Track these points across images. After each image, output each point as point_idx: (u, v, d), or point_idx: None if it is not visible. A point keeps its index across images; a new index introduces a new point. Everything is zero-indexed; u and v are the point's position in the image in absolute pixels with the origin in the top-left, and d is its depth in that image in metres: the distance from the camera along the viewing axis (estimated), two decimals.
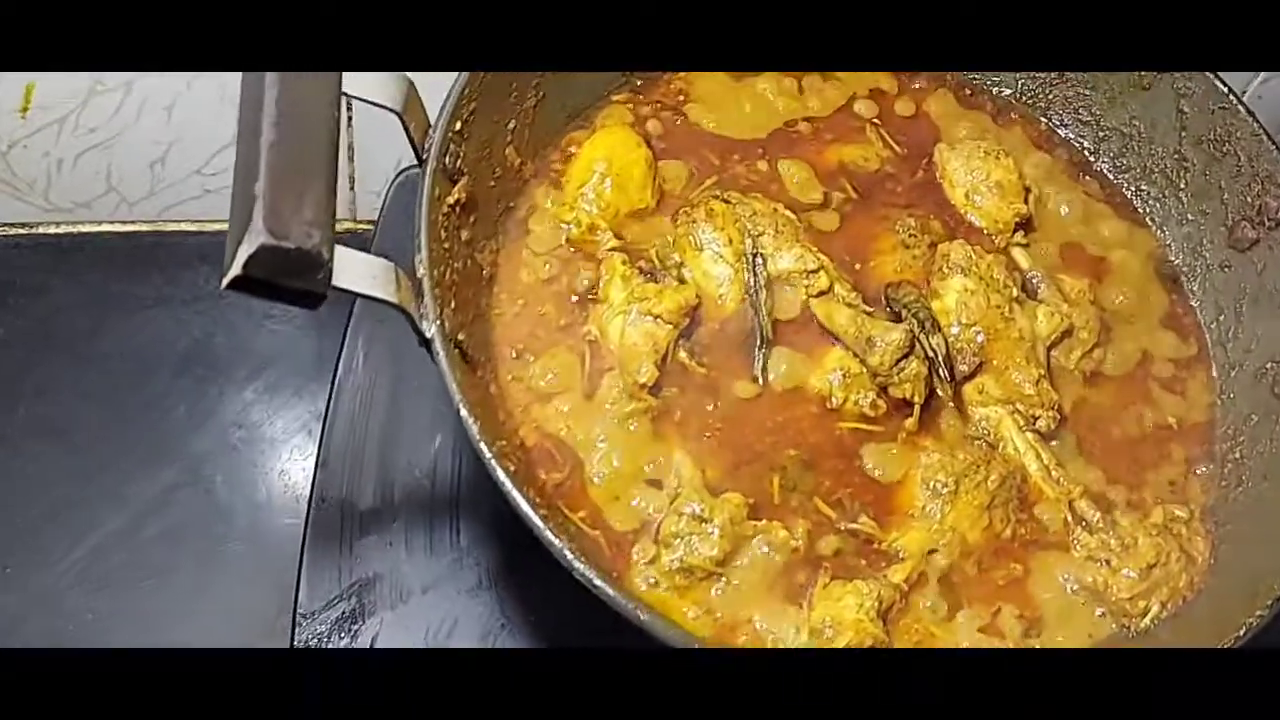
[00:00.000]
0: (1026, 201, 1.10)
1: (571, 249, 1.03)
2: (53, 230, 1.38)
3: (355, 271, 0.81)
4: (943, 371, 0.98)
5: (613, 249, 1.02)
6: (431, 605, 1.05)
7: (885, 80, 1.16)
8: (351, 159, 1.34)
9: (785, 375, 0.99)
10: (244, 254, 0.75)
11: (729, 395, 0.98)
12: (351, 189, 1.38)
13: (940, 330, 0.99)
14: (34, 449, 1.24)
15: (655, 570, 0.91)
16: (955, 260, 1.02)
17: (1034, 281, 1.06)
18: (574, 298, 1.01)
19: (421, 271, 0.87)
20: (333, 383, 1.14)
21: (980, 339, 1.00)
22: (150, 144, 1.29)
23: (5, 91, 1.22)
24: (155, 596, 1.18)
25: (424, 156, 0.92)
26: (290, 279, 0.77)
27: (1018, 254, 1.08)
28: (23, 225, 1.37)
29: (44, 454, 1.24)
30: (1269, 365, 1.02)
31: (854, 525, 0.95)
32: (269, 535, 1.22)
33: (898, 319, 1.00)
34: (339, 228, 1.40)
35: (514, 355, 0.98)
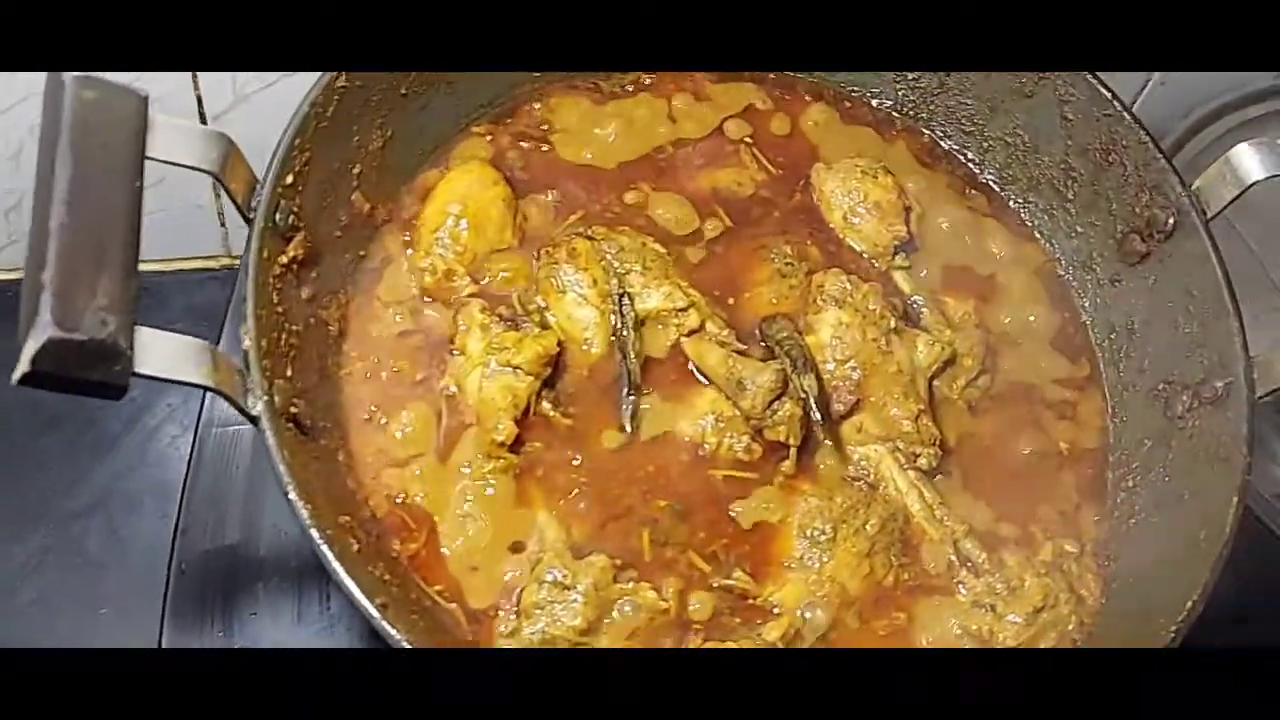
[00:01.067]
0: (908, 221, 1.05)
1: (427, 298, 0.97)
2: None
3: (161, 356, 0.75)
4: (815, 414, 0.93)
5: (471, 295, 0.97)
6: None
7: (759, 97, 1.11)
8: (218, 195, 1.28)
9: (655, 422, 0.95)
10: (30, 349, 0.70)
11: (596, 447, 0.94)
12: (222, 225, 1.32)
13: (814, 369, 0.95)
14: None
15: (516, 643, 0.86)
16: (829, 292, 0.98)
17: (916, 307, 1.02)
18: (431, 351, 0.96)
19: (247, 343, 0.82)
20: (194, 443, 1.08)
21: (856, 375, 0.96)
22: (2, 193, 1.23)
23: None
24: None
25: (250, 216, 0.86)
26: (85, 371, 0.72)
27: (899, 278, 1.04)
28: None
29: None
30: (1162, 386, 0.98)
31: (728, 581, 0.90)
32: (143, 598, 1.16)
33: (772, 356, 0.96)
34: (213, 265, 1.36)
35: (366, 418, 0.93)
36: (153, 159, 0.80)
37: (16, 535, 1.20)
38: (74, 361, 0.71)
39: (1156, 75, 1.35)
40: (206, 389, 0.77)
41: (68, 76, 0.78)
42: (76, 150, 0.76)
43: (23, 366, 0.70)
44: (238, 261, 1.36)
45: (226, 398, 0.79)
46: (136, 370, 0.73)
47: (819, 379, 0.95)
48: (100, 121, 0.78)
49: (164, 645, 1.00)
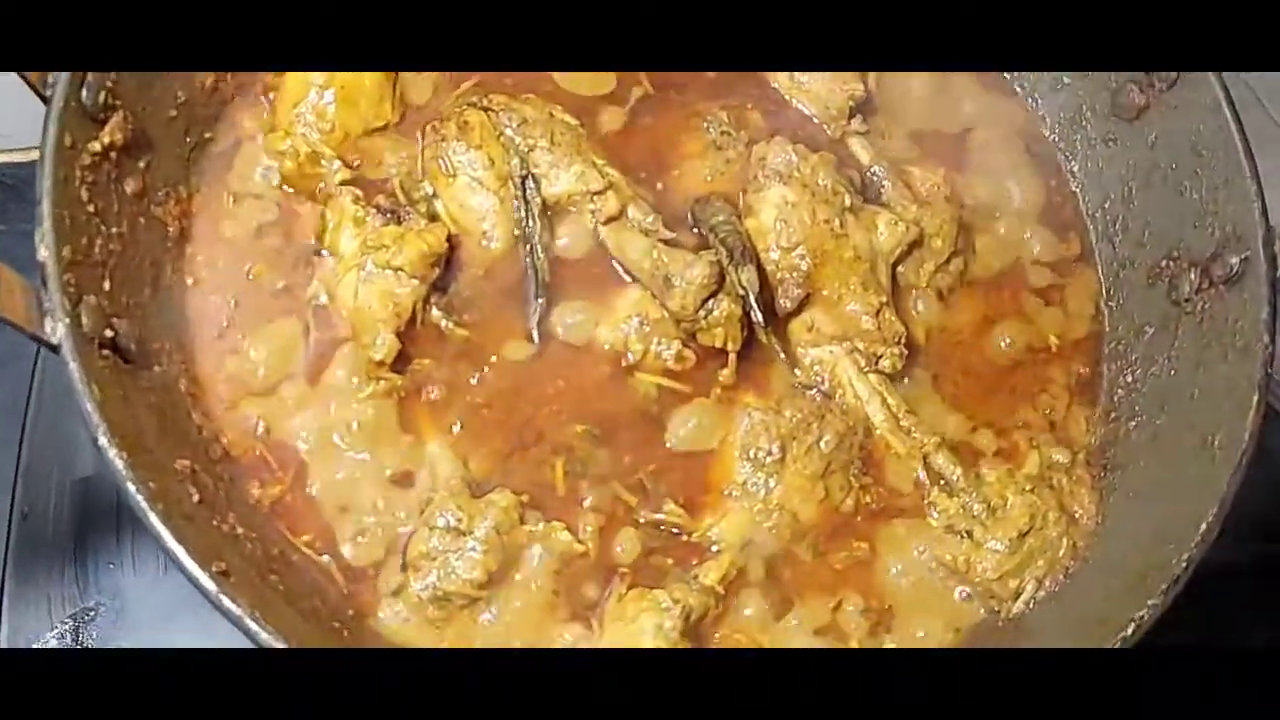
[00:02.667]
0: (864, 79, 0.88)
1: (288, 188, 0.81)
2: None
3: None
4: (756, 313, 0.78)
5: (342, 183, 0.81)
6: (171, 637, 0.86)
7: None
8: None
9: (570, 328, 0.80)
10: None
11: (499, 361, 0.79)
12: None
13: (754, 258, 0.79)
14: None
15: (404, 602, 0.72)
16: (772, 165, 0.82)
17: (876, 179, 0.86)
18: (295, 252, 0.80)
19: (44, 253, 0.66)
20: (32, 374, 0.92)
21: (805, 264, 0.80)
22: None
23: None
24: None
25: (46, 93, 0.69)
26: None
27: (855, 146, 0.88)
28: None
29: None
30: (1165, 264, 0.84)
31: (657, 515, 0.76)
32: None
33: (706, 245, 0.80)
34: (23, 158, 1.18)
35: (216, 335, 0.77)
36: None
37: None
38: None
39: None
40: None
41: None
42: None
43: None
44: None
45: (12, 325, 0.63)
46: None
47: (761, 270, 0.79)
48: None
49: (4, 607, 0.86)
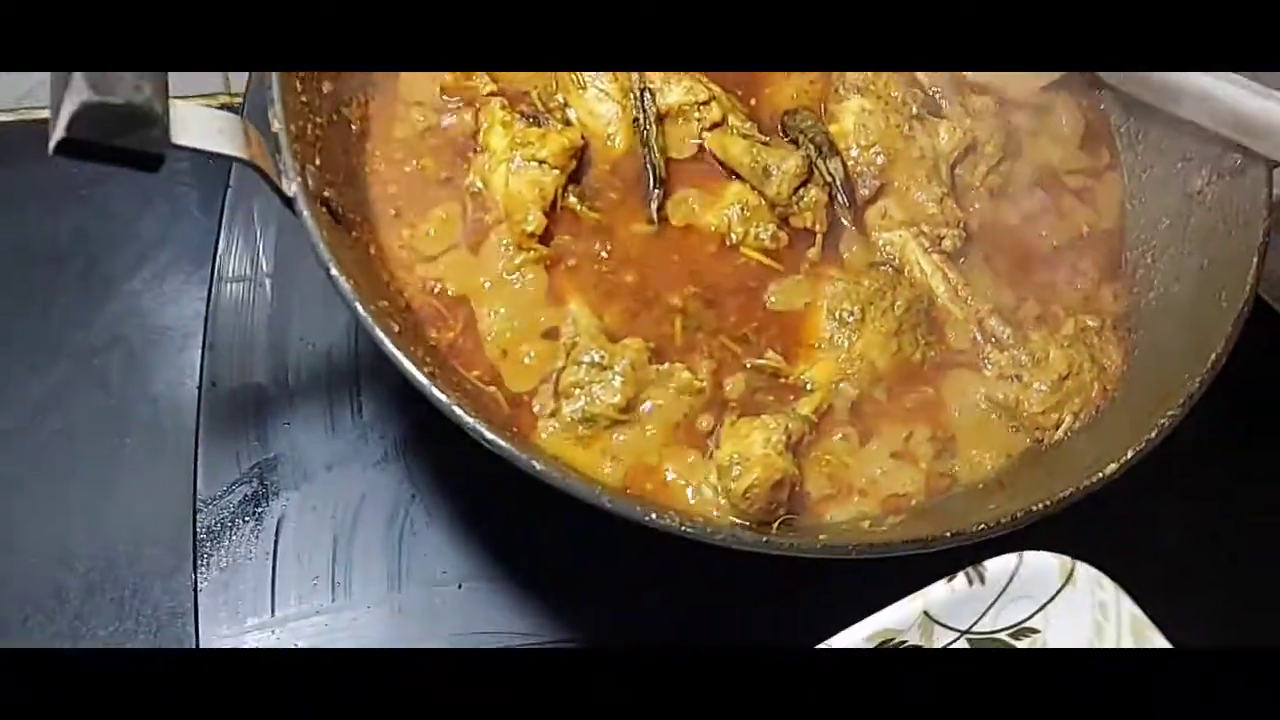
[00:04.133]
0: None
1: (447, 97, 0.97)
2: None
3: (197, 127, 0.75)
4: (842, 197, 0.94)
5: (491, 94, 0.97)
6: (338, 481, 1.01)
7: None
8: None
9: (682, 214, 0.95)
10: (67, 113, 0.69)
11: (624, 238, 0.94)
12: None
13: (839, 153, 0.95)
14: None
15: (557, 422, 0.87)
16: (852, 81, 0.98)
17: (937, 97, 1.02)
18: (454, 148, 0.95)
19: (277, 125, 0.82)
20: (214, 262, 1.08)
21: (880, 160, 0.96)
22: None
23: None
24: (56, 499, 1.14)
25: None
26: (122, 138, 0.71)
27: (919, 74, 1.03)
28: None
29: None
30: (1180, 165, 0.99)
31: (760, 361, 0.91)
32: (168, 427, 1.17)
33: (796, 146, 0.96)
34: (213, 104, 1.34)
35: (394, 214, 0.93)
36: None
37: (35, 369, 1.19)
38: (111, 126, 0.71)
39: None
40: (244, 162, 0.77)
41: None
42: None
43: (58, 132, 0.70)
44: (237, 99, 1.35)
45: (262, 173, 0.79)
46: (173, 141, 0.73)
47: (844, 164, 0.95)
48: None
49: (199, 457, 1.01)
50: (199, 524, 0.99)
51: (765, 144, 0.95)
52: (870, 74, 0.97)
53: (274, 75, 0.83)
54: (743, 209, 0.95)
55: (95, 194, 1.27)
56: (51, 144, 0.71)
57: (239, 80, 1.33)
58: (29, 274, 1.24)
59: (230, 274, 1.08)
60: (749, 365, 0.91)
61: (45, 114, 1.28)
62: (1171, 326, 0.93)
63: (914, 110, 0.97)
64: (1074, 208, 1.02)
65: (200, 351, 1.07)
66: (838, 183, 0.94)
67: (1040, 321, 0.96)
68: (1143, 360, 0.94)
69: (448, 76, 0.97)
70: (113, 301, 1.24)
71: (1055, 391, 0.91)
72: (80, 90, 0.69)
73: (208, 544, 0.99)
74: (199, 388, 1.04)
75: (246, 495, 1.00)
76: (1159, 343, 0.94)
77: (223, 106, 1.32)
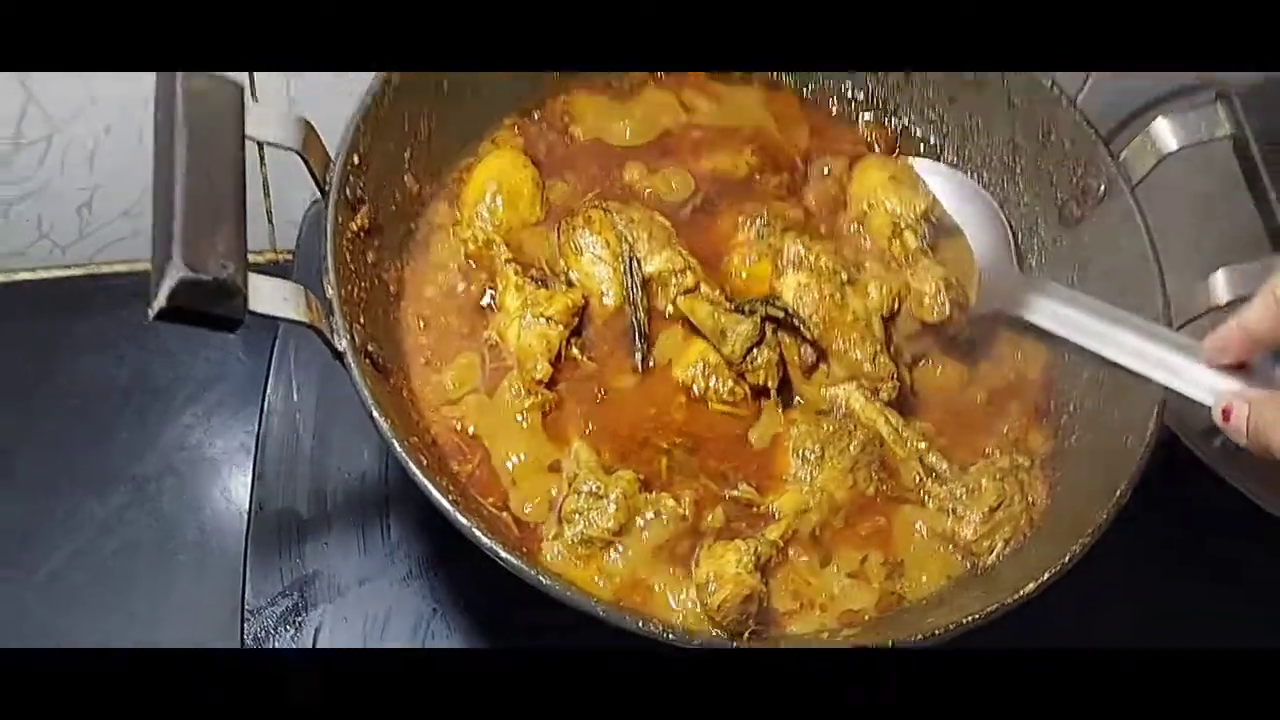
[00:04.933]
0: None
1: (470, 263, 1.14)
2: None
3: (269, 296, 0.91)
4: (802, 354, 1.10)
5: (507, 261, 1.13)
6: (368, 596, 1.16)
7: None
8: (267, 195, 1.44)
9: (663, 365, 1.11)
10: (166, 287, 0.85)
11: (617, 386, 1.10)
12: (270, 223, 1.48)
13: (791, 325, 1.11)
14: None
15: (560, 544, 1.02)
16: (789, 258, 1.14)
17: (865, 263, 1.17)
18: (475, 307, 1.12)
19: (330, 292, 0.98)
20: (263, 400, 1.24)
21: (817, 330, 1.11)
22: (76, 190, 1.39)
23: None
24: (117, 608, 1.28)
25: (326, 189, 1.02)
26: (210, 307, 0.87)
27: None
28: None
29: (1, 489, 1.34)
30: None
31: (734, 492, 1.06)
32: (215, 545, 1.32)
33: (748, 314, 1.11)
34: (260, 259, 1.52)
35: (424, 362, 1.09)
36: (250, 137, 0.97)
37: (97, 495, 1.35)
38: (201, 298, 0.87)
39: (1094, 74, 1.53)
40: (305, 325, 0.93)
41: (179, 73, 0.94)
42: (190, 127, 0.92)
43: (160, 302, 0.86)
44: (282, 256, 1.53)
45: (318, 333, 0.95)
46: (251, 309, 0.90)
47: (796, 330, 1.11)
48: (207, 105, 0.94)
49: (247, 572, 1.15)
50: (245, 631, 1.13)
51: (727, 310, 1.10)
52: (804, 249, 1.13)
53: (328, 247, 1.00)
54: (704, 365, 1.10)
55: (152, 340, 1.45)
56: (152, 312, 0.87)
57: (284, 237, 1.51)
58: (93, 410, 1.41)
59: (277, 410, 1.24)
60: (726, 496, 1.06)
61: (112, 269, 1.48)
62: (1088, 466, 1.08)
63: (844, 277, 1.13)
64: (1005, 356, 1.18)
65: (249, 479, 1.22)
66: (798, 348, 1.11)
67: (975, 457, 1.11)
68: (1063, 495, 1.08)
69: (471, 246, 1.14)
70: (166, 435, 1.40)
71: (987, 521, 1.06)
72: (178, 268, 0.85)
73: (254, 649, 1.13)
74: (249, 511, 1.19)
75: (288, 607, 1.14)
76: (1078, 480, 1.08)
77: (270, 262, 1.52)
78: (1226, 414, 0.95)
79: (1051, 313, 1.10)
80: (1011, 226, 1.22)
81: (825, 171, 1.24)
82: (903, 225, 1.17)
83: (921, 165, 1.23)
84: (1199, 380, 1.00)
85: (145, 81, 0.94)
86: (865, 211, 1.20)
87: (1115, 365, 1.05)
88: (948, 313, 1.13)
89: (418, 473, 0.93)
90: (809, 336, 1.10)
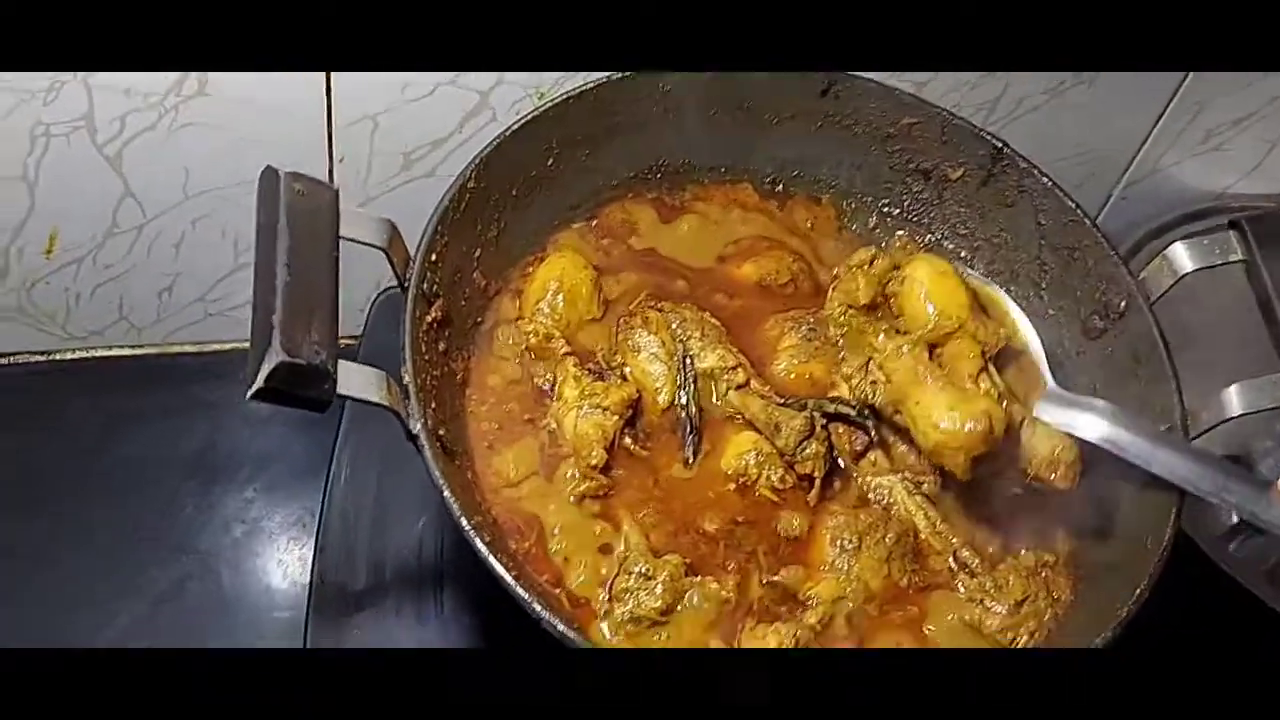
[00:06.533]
0: None
1: (531, 355, 1.22)
2: (69, 356, 1.55)
3: (355, 381, 0.99)
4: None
5: (566, 354, 1.21)
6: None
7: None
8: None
9: (711, 457, 1.18)
10: (266, 369, 0.94)
11: (666, 474, 1.17)
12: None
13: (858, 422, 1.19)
14: (57, 551, 1.40)
15: (609, 622, 1.08)
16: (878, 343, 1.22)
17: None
18: (535, 396, 1.20)
19: (408, 379, 1.06)
20: (327, 477, 1.31)
21: (870, 422, 1.19)
22: (159, 276, 1.48)
23: (32, 234, 1.40)
24: None
25: (405, 284, 1.11)
26: (303, 389, 0.96)
27: None
28: (41, 353, 1.55)
29: (66, 555, 1.40)
30: None
31: (775, 578, 1.13)
32: (272, 614, 1.38)
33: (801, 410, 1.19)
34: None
35: (487, 446, 1.16)
36: (344, 237, 1.06)
37: (159, 564, 1.41)
38: (296, 381, 0.95)
39: (1117, 191, 1.63)
40: (386, 409, 1.01)
41: (283, 173, 1.04)
42: (291, 227, 1.01)
43: (259, 383, 0.94)
44: (345, 341, 1.61)
45: (397, 415, 1.03)
46: (339, 392, 0.98)
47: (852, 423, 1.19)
48: (306, 207, 1.04)
49: (308, 637, 1.22)
50: None
51: (779, 404, 1.18)
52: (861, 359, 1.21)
53: (407, 338, 1.08)
54: (757, 455, 1.17)
55: (219, 417, 1.52)
56: (250, 392, 0.95)
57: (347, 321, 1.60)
58: (159, 480, 1.48)
59: (339, 488, 1.31)
60: (765, 582, 1.13)
61: (182, 349, 1.56)
62: (1109, 563, 1.15)
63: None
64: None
65: (306, 553, 1.30)
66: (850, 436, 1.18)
67: (1004, 553, 1.18)
68: (1086, 592, 1.15)
69: (533, 339, 1.22)
70: (228, 506, 1.47)
71: (1013, 614, 1.12)
72: (277, 353, 0.94)
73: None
74: (310, 583, 1.26)
75: None
76: (1099, 577, 1.15)
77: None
78: None
79: (1099, 430, 1.15)
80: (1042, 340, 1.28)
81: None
82: (987, 357, 1.20)
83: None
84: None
85: (236, 176, 1.01)
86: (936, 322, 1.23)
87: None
88: (1073, 482, 1.16)
89: (482, 548, 1.00)
90: (870, 428, 1.17)
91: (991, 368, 1.19)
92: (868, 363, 1.17)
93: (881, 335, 1.22)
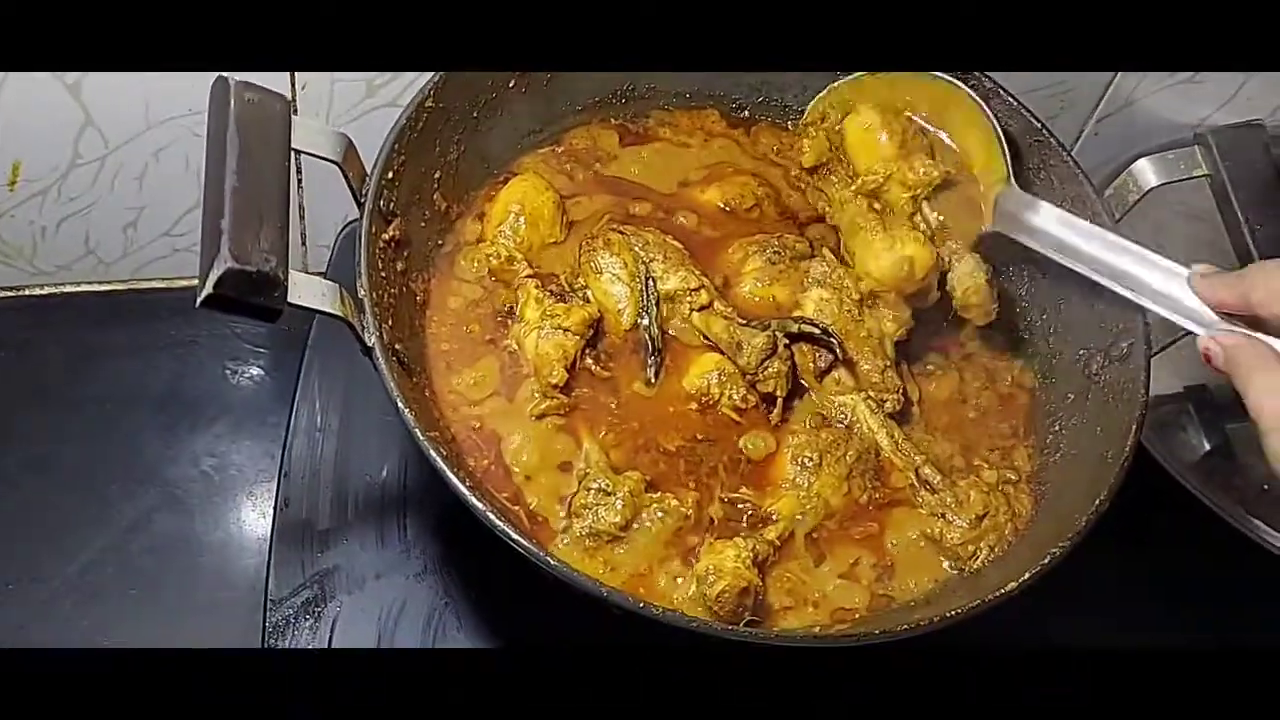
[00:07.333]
0: None
1: (492, 278, 1.21)
2: (37, 291, 1.55)
3: (307, 290, 0.99)
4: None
5: (528, 276, 1.20)
6: (384, 589, 1.22)
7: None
8: (303, 218, 1.52)
9: (673, 377, 1.18)
10: (214, 276, 0.93)
11: (627, 394, 1.17)
12: (303, 244, 1.56)
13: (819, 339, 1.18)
14: (27, 482, 1.40)
15: (569, 536, 1.08)
16: (814, 275, 1.22)
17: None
18: (496, 317, 1.19)
19: (362, 293, 1.05)
20: (292, 405, 1.31)
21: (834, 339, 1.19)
22: (124, 210, 1.47)
23: None
24: (143, 603, 1.33)
25: (362, 200, 1.10)
26: (253, 296, 0.95)
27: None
28: (10, 288, 1.54)
29: (35, 486, 1.40)
30: (1081, 352, 1.22)
31: (734, 495, 1.13)
32: (239, 545, 1.38)
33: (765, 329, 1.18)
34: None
35: (446, 366, 1.16)
36: (297, 150, 1.05)
37: (128, 496, 1.41)
38: (245, 288, 0.94)
39: (1090, 126, 1.62)
40: (339, 319, 1.01)
41: (232, 80, 1.03)
42: (241, 136, 1.00)
43: (207, 289, 0.94)
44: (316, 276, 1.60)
45: (351, 327, 1.02)
46: (290, 301, 0.97)
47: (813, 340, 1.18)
48: (256, 116, 1.03)
49: (271, 564, 1.22)
50: (267, 620, 1.19)
51: (741, 325, 1.18)
52: (829, 268, 1.21)
53: (363, 251, 1.07)
54: (720, 375, 1.17)
55: (188, 354, 1.52)
56: (199, 299, 0.94)
57: (315, 260, 1.59)
58: (128, 415, 1.47)
59: (303, 419, 1.31)
60: (725, 499, 1.12)
61: (150, 284, 1.55)
62: (1070, 479, 1.15)
63: (859, 298, 1.20)
64: (998, 379, 1.25)
65: (273, 486, 1.29)
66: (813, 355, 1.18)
67: (967, 471, 1.18)
68: (1047, 506, 1.15)
69: (494, 261, 1.21)
70: (196, 442, 1.46)
71: (974, 528, 1.12)
72: (225, 259, 0.93)
73: (274, 637, 1.19)
74: (274, 508, 1.26)
75: (308, 598, 1.20)
76: (1060, 492, 1.15)
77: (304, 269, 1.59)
78: (1208, 355, 1.01)
79: (1046, 235, 1.16)
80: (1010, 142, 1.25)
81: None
82: (918, 200, 1.22)
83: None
84: (1187, 310, 1.06)
85: (198, 106, 1.01)
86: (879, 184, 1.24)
87: (1105, 290, 1.12)
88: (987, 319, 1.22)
89: (439, 461, 0.99)
90: (836, 346, 1.17)
91: (925, 208, 1.21)
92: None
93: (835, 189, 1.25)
